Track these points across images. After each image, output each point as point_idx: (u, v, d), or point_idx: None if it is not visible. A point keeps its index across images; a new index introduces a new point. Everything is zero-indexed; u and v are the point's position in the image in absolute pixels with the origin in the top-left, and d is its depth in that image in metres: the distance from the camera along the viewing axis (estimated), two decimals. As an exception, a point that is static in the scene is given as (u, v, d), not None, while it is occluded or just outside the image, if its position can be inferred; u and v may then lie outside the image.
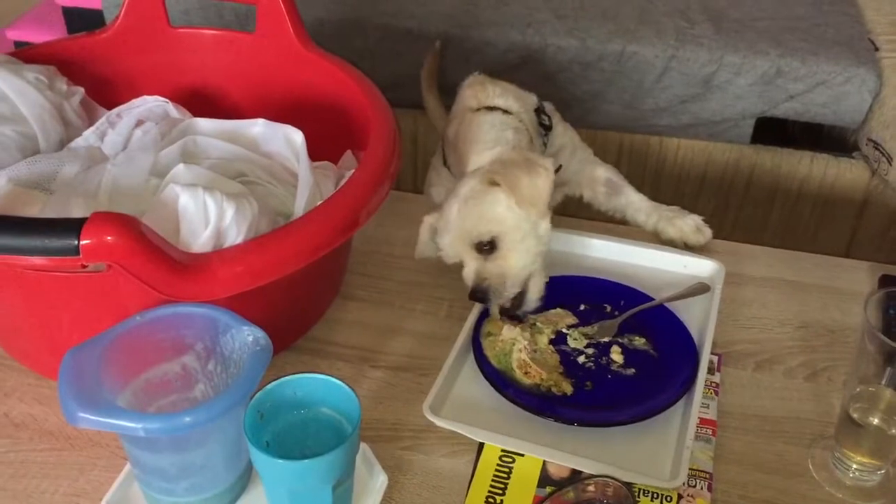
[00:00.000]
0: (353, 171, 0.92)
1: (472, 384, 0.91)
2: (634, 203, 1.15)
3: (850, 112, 1.57)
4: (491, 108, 1.06)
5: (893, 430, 0.80)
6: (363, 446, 0.81)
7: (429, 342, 0.97)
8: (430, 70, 1.50)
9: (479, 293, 0.94)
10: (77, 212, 0.80)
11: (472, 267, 0.95)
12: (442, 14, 1.65)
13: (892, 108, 1.51)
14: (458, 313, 1.00)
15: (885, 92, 1.53)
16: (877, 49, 1.61)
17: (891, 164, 1.50)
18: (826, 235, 1.64)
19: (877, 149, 1.54)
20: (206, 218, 0.77)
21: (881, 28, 1.67)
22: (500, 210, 0.94)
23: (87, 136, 1.00)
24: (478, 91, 1.08)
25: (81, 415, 0.66)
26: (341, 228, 0.83)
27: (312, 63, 1.09)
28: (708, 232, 1.11)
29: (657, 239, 1.12)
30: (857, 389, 0.81)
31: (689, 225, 1.11)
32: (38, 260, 0.70)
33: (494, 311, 0.96)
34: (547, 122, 1.12)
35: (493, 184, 0.94)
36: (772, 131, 1.65)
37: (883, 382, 0.78)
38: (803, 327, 1.01)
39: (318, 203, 0.85)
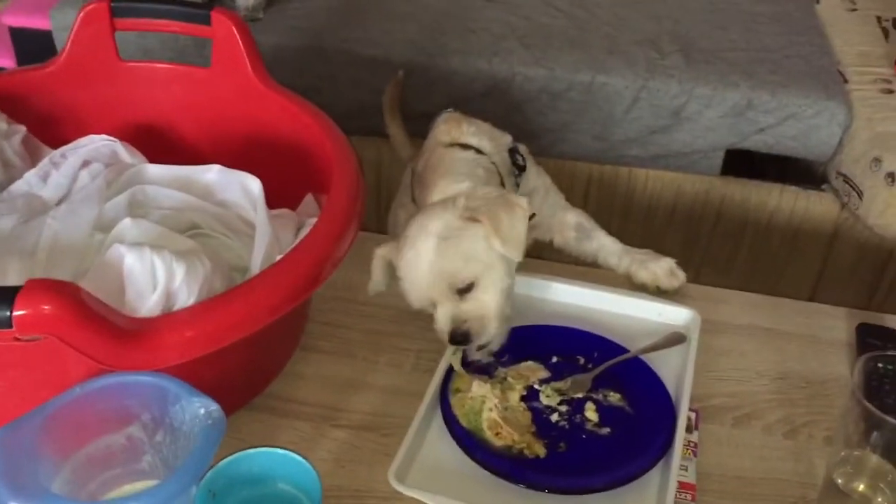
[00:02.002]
0: (313, 219, 0.86)
1: (440, 445, 0.86)
2: (606, 246, 1.11)
3: (820, 145, 1.55)
4: (464, 146, 1.02)
5: (879, 499, 0.77)
6: (324, 520, 0.75)
7: (394, 398, 0.92)
8: (392, 98, 1.45)
9: (458, 336, 0.90)
10: (12, 275, 0.74)
11: (447, 309, 0.90)
12: (407, 42, 1.61)
13: (862, 142, 1.50)
14: (425, 365, 0.95)
15: (856, 125, 1.52)
16: (846, 81, 1.60)
17: (861, 199, 1.48)
18: (795, 269, 1.62)
19: (847, 182, 1.52)
20: (153, 280, 0.72)
21: (849, 59, 1.66)
22: (480, 248, 0.90)
23: (29, 179, 0.94)
24: (452, 127, 1.05)
25: (13, 505, 0.60)
26: (301, 286, 0.78)
27: (270, 99, 1.03)
28: (681, 275, 1.08)
29: (629, 282, 1.09)
30: (842, 454, 0.78)
31: (662, 268, 1.08)
32: (-36, 331, 0.64)
33: (458, 366, 0.92)
34: (521, 162, 1.09)
35: (472, 220, 0.90)
36: (740, 163, 1.64)
37: (868, 447, 0.75)
38: (781, 378, 0.98)
39: (277, 257, 0.80)
